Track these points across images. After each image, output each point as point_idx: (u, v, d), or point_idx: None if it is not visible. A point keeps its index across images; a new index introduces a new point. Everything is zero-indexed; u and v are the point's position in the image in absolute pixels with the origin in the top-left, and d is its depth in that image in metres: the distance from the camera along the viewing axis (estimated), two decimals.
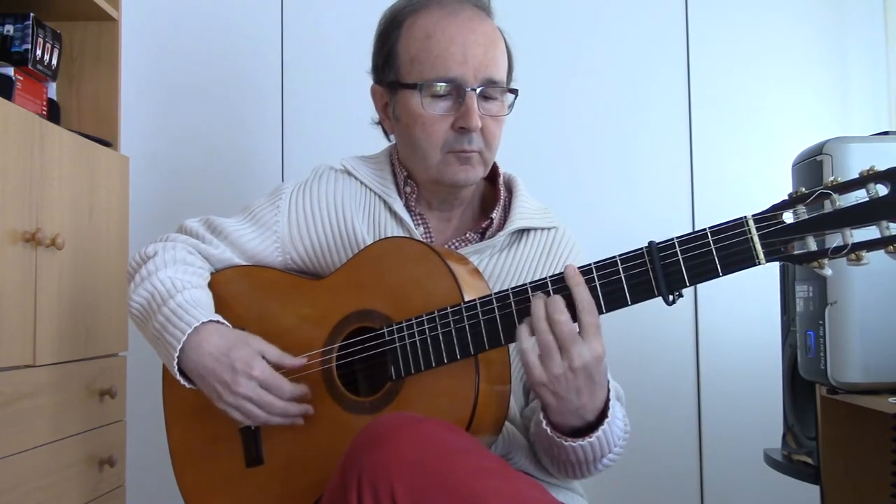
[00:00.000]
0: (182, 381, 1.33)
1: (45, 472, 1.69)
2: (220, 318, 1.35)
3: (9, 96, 1.78)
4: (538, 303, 1.16)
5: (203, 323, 1.31)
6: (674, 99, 2.37)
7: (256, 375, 1.28)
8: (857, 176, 1.07)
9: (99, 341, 1.93)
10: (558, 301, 1.15)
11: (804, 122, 2.33)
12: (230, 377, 1.28)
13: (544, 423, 1.21)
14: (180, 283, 1.37)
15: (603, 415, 1.21)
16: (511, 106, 1.41)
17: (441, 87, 1.35)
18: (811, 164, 1.65)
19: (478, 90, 1.35)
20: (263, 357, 1.31)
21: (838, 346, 1.59)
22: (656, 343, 2.30)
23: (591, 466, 1.26)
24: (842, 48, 2.36)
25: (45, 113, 1.93)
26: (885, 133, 1.72)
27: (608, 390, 1.21)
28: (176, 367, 1.31)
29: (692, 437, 2.32)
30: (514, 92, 1.41)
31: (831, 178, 1.08)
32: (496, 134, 1.39)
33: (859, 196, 1.07)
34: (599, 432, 1.21)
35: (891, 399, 1.50)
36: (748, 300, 2.27)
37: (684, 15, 2.38)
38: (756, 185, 2.32)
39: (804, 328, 1.71)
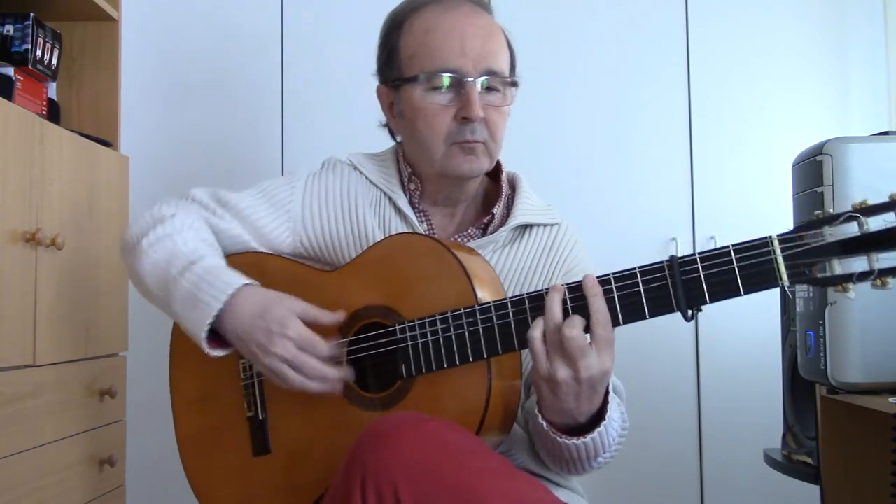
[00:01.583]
0: (205, 348, 1.29)
1: (45, 472, 1.69)
2: (253, 280, 1.32)
3: (9, 96, 1.78)
4: (553, 303, 1.15)
5: (245, 285, 1.29)
6: (674, 99, 2.37)
7: (291, 336, 1.25)
8: (887, 200, 1.04)
9: (99, 341, 1.93)
10: (574, 318, 1.14)
11: (804, 122, 2.34)
12: (266, 339, 1.25)
13: (540, 417, 1.22)
14: (204, 250, 1.35)
15: (599, 416, 1.21)
16: (513, 98, 1.40)
17: (442, 78, 1.35)
18: (811, 164, 1.65)
19: (479, 80, 1.35)
20: (299, 317, 1.28)
21: (838, 346, 1.59)
22: (656, 343, 2.30)
23: (586, 464, 1.26)
24: (842, 48, 2.36)
25: (45, 113, 1.93)
26: (885, 133, 1.72)
27: (604, 395, 1.21)
28: (206, 331, 1.28)
29: (692, 437, 2.31)
30: (516, 84, 1.41)
31: (860, 201, 1.05)
32: (500, 125, 1.39)
33: (888, 220, 1.03)
34: (595, 434, 1.21)
35: (891, 399, 1.50)
36: (748, 300, 2.23)
37: (684, 15, 2.38)
38: (756, 184, 2.32)
39: (804, 328, 1.71)
